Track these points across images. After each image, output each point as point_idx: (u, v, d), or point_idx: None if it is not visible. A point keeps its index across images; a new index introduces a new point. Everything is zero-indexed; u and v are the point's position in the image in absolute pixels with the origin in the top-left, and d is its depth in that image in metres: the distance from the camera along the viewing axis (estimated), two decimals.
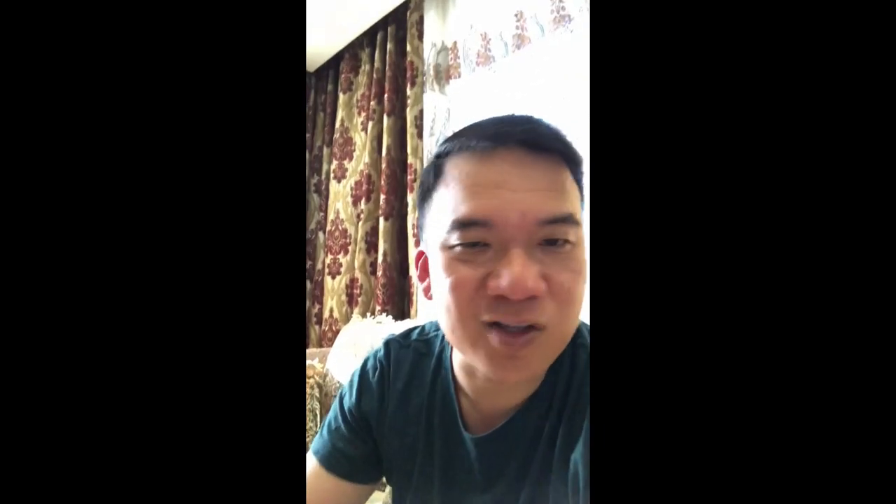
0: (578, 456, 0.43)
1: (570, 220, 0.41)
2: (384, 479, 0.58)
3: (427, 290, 0.48)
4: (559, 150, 0.43)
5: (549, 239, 0.41)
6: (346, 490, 0.56)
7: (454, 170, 0.43)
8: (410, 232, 1.84)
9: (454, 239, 0.41)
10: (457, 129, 0.48)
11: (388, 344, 0.58)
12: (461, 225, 0.41)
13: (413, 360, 0.56)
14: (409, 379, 0.55)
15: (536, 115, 0.46)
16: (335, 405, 0.59)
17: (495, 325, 0.41)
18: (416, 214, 0.50)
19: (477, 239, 0.41)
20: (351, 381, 0.59)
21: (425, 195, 0.46)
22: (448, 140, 0.45)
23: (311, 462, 0.57)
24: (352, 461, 0.56)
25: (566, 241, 0.41)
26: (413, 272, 1.72)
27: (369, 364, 0.58)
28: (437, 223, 0.44)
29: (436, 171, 0.45)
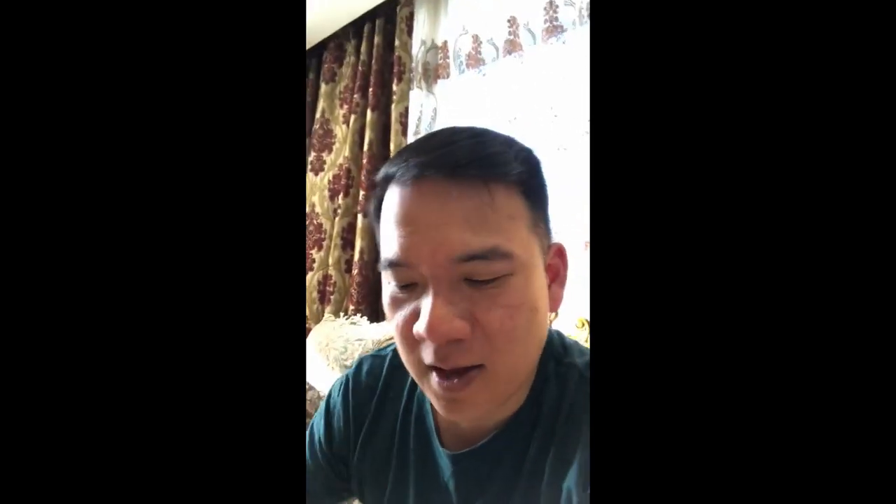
0: (572, 484, 0.42)
1: (492, 254, 0.37)
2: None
3: None
4: (480, 175, 0.38)
5: (471, 277, 0.38)
6: None
7: (387, 202, 0.41)
8: None
9: (388, 277, 0.41)
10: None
11: (360, 363, 0.56)
12: (387, 266, 0.40)
13: (388, 372, 0.54)
14: (384, 391, 0.53)
15: (470, 128, 0.43)
16: (307, 438, 0.57)
17: (434, 368, 0.40)
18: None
19: (404, 280, 0.40)
20: (319, 412, 0.57)
21: (376, 215, 0.44)
22: (388, 163, 0.43)
23: None
24: (312, 488, 0.56)
25: (495, 277, 0.38)
26: None
27: (336, 392, 0.56)
28: (382, 251, 0.42)
29: (377, 200, 0.43)
